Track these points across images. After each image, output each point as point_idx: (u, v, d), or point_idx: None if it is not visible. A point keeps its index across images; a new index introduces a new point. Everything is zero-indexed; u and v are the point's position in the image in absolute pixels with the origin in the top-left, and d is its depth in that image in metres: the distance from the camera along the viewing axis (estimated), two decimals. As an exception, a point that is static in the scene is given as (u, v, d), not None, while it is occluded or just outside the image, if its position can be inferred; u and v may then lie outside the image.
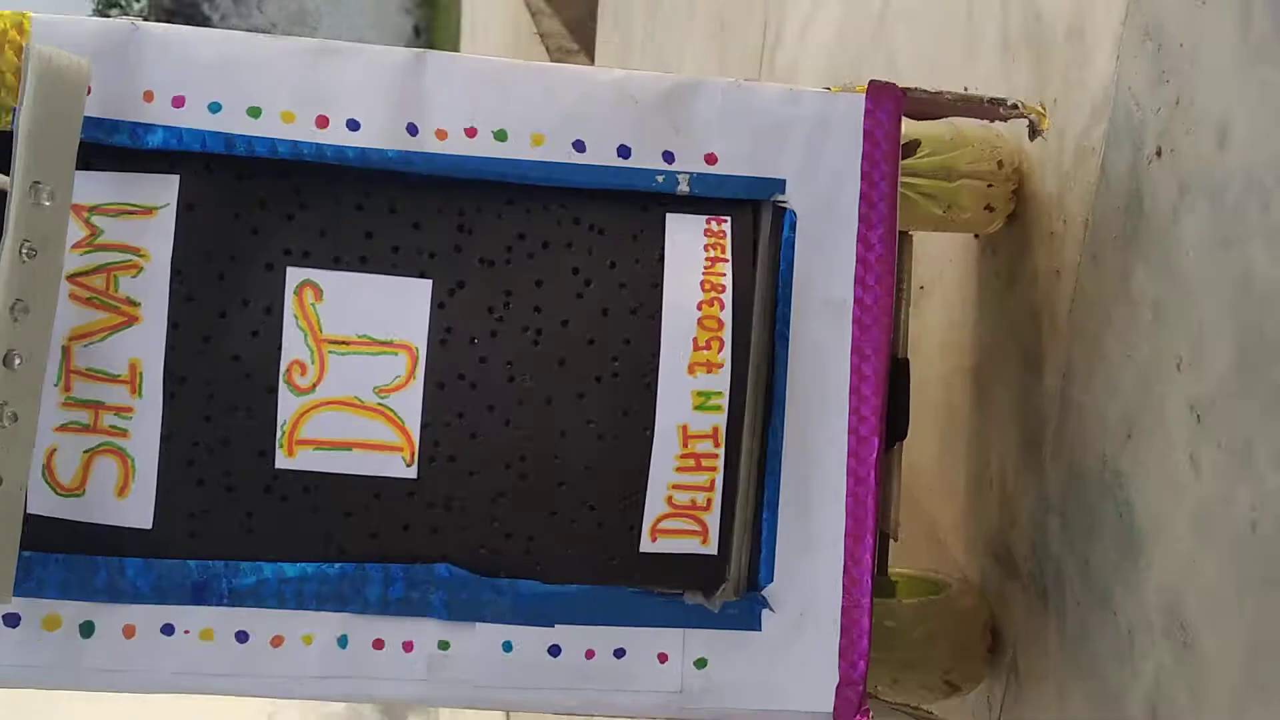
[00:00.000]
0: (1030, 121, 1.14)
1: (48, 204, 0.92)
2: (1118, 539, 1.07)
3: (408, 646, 1.06)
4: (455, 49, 8.80)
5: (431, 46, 12.80)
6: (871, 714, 1.12)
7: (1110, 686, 1.07)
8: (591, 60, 3.79)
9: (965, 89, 1.31)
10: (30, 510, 0.98)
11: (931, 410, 1.40)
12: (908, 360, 1.24)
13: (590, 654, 1.08)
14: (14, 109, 0.95)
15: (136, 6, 12.84)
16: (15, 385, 0.92)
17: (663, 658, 1.09)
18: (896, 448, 1.25)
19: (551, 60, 4.11)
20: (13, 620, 1.00)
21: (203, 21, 12.52)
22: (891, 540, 1.27)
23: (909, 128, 1.14)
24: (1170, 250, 1.00)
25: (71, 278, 0.98)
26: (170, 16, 12.21)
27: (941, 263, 1.41)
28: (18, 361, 0.92)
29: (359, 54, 1.04)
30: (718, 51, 2.26)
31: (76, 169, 0.95)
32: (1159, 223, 1.02)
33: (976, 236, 1.31)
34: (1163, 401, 1.01)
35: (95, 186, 0.99)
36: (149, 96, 1.00)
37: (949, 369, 1.39)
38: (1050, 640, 1.18)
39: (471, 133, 1.04)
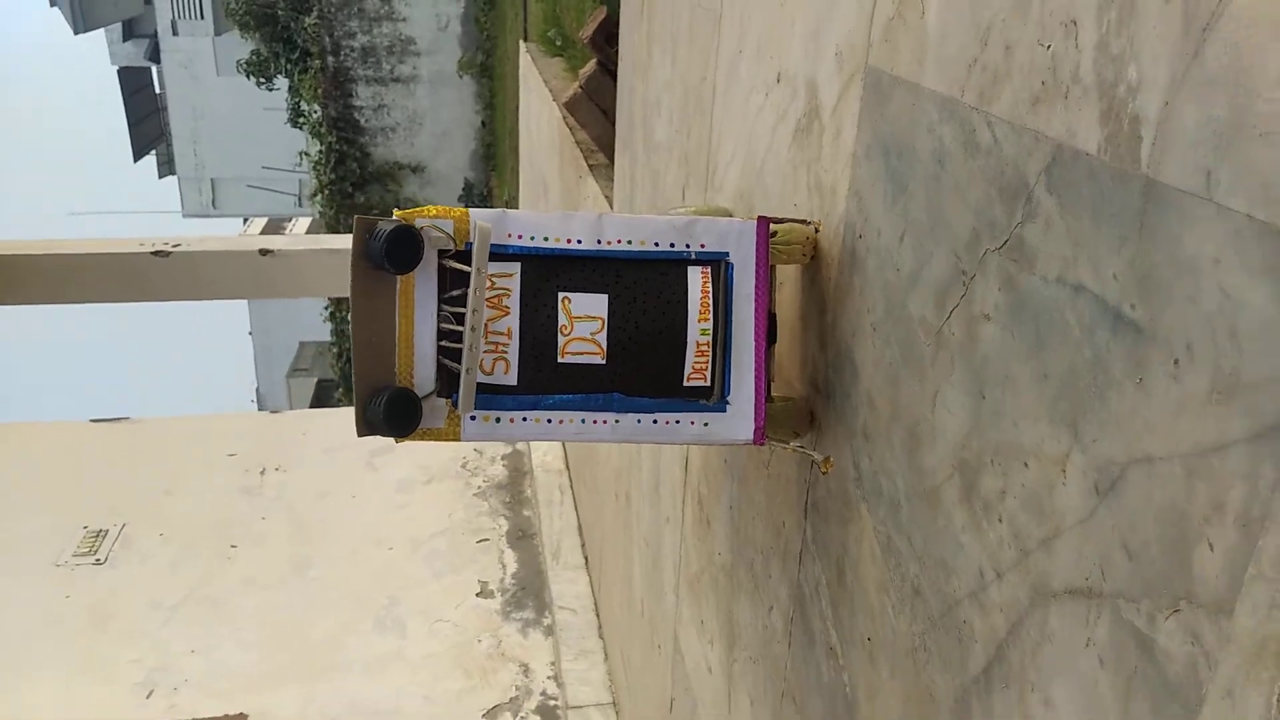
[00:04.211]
0: (816, 227, 1.71)
1: (482, 272, 1.63)
2: (849, 388, 1.69)
3: (604, 421, 1.64)
4: (515, 135, 8.43)
5: (492, 133, 12.13)
6: (768, 439, 1.73)
7: (846, 424, 1.62)
8: (611, 160, 3.86)
9: (794, 205, 1.86)
10: (478, 381, 1.61)
11: (786, 330, 1.88)
12: (775, 312, 1.79)
13: (667, 421, 1.67)
14: (468, 243, 1.56)
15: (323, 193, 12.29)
16: (474, 339, 1.63)
17: (692, 422, 1.68)
18: (773, 347, 1.80)
19: (583, 159, 4.34)
20: (474, 417, 1.60)
21: (367, 153, 12.13)
22: (771, 380, 1.81)
23: (772, 226, 1.71)
24: (867, 268, 1.55)
25: (487, 299, 1.63)
26: (341, 149, 11.87)
27: (788, 275, 1.89)
28: (472, 330, 1.64)
29: (578, 216, 1.60)
30: (686, 171, 2.62)
31: (489, 261, 1.62)
32: (861, 258, 1.56)
33: (800, 265, 1.81)
34: (890, 293, 1.69)
35: (493, 267, 1.57)
36: (509, 235, 1.58)
37: (792, 315, 1.87)
38: (832, 414, 1.71)
39: (619, 241, 1.61)
